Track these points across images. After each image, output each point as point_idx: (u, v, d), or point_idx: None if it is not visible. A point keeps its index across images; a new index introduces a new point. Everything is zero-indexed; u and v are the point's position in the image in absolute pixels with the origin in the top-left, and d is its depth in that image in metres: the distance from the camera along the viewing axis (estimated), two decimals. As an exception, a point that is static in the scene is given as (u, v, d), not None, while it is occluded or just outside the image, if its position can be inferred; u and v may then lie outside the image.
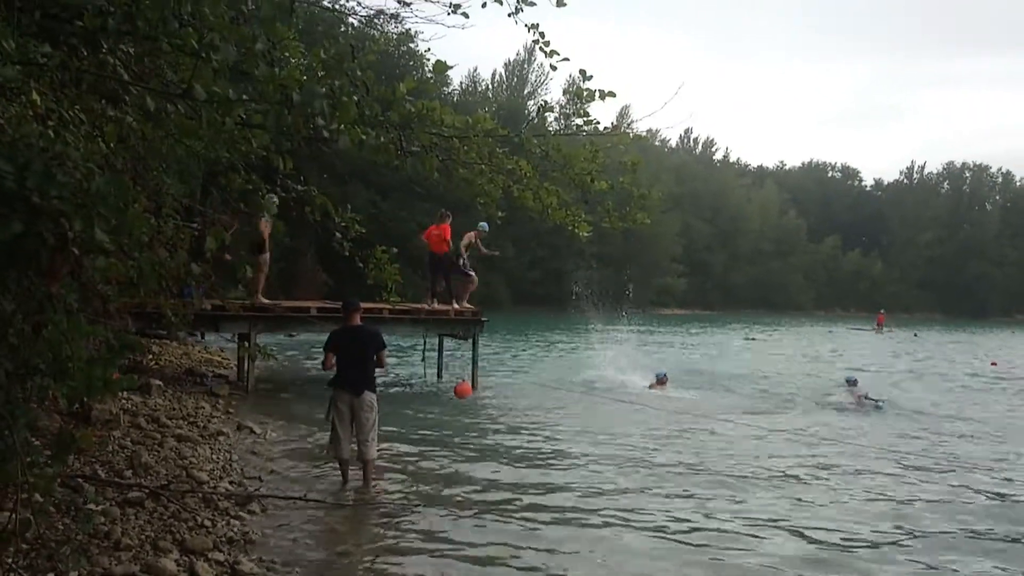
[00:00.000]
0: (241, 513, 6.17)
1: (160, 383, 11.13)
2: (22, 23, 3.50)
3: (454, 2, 5.26)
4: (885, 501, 7.98)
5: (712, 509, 7.34)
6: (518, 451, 9.57)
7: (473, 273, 15.57)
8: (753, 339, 36.19)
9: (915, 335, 45.59)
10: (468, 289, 15.45)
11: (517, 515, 6.84)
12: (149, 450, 7.56)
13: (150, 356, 13.47)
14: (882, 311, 55.12)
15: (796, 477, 8.84)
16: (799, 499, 7.87)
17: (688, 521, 6.94)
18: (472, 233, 15.76)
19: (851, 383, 16.80)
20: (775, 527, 6.87)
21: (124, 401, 9.28)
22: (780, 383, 18.60)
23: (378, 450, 7.72)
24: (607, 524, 6.72)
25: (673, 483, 8.30)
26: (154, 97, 3.44)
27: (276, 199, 4.80)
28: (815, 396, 16.33)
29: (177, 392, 11.25)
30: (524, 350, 25.18)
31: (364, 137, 3.84)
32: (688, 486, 8.18)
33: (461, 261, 15.27)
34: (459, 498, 7.30)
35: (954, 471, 9.52)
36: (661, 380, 16.30)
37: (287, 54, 4.81)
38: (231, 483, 7.07)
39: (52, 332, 2.97)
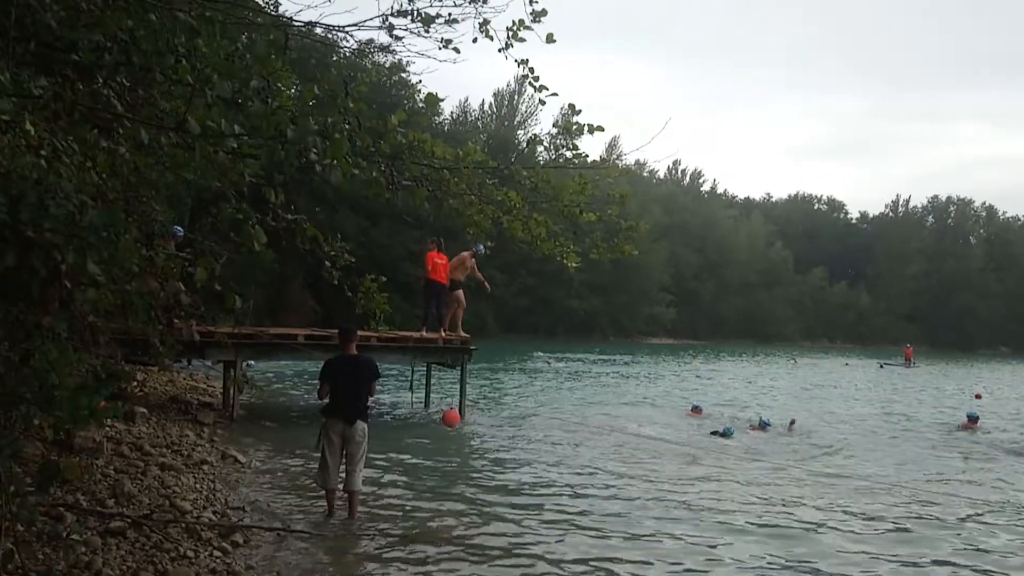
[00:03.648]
0: (224, 544, 6.10)
1: (144, 411, 11.02)
2: (16, 52, 3.54)
3: (445, 37, 5.33)
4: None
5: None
6: (505, 484, 9.49)
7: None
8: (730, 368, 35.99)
9: (880, 365, 44.96)
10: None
11: (502, 551, 6.79)
12: (132, 479, 7.48)
13: (135, 383, 13.35)
14: (909, 345, 53.01)
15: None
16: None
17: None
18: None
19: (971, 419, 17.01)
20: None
21: (108, 429, 9.18)
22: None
23: (364, 481, 7.67)
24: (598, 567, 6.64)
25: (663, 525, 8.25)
26: (148, 129, 3.48)
27: (265, 238, 4.78)
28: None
29: (161, 420, 11.15)
30: (511, 378, 25.12)
31: (356, 172, 3.88)
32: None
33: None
34: (444, 531, 7.24)
35: None
36: (696, 409, 17.20)
37: (280, 85, 4.87)
38: (215, 513, 7.00)
39: (39, 361, 2.97)
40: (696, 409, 17.30)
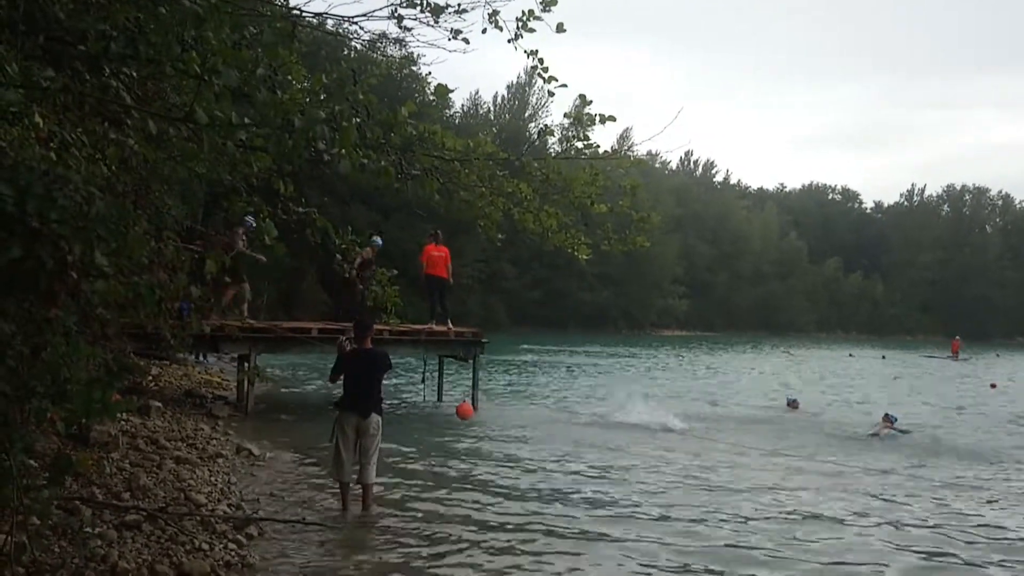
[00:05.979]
0: (239, 537, 6.11)
1: (159, 404, 11.09)
2: (26, 46, 3.53)
3: (455, 28, 5.30)
4: None
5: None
6: (519, 478, 9.42)
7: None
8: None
9: (883, 357, 43.49)
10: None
11: (517, 544, 6.76)
12: (147, 472, 7.51)
13: (149, 378, 13.44)
14: (957, 337, 50.18)
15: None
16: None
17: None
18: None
19: None
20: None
21: (123, 423, 9.24)
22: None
23: (377, 473, 7.67)
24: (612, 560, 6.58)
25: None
26: (156, 121, 3.47)
27: (275, 231, 4.76)
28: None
29: (176, 414, 11.21)
30: (525, 371, 25.12)
31: (365, 161, 3.86)
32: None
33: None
34: (459, 524, 7.23)
35: None
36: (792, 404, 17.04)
37: (290, 77, 4.85)
38: (229, 506, 7.02)
39: (51, 355, 2.97)
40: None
